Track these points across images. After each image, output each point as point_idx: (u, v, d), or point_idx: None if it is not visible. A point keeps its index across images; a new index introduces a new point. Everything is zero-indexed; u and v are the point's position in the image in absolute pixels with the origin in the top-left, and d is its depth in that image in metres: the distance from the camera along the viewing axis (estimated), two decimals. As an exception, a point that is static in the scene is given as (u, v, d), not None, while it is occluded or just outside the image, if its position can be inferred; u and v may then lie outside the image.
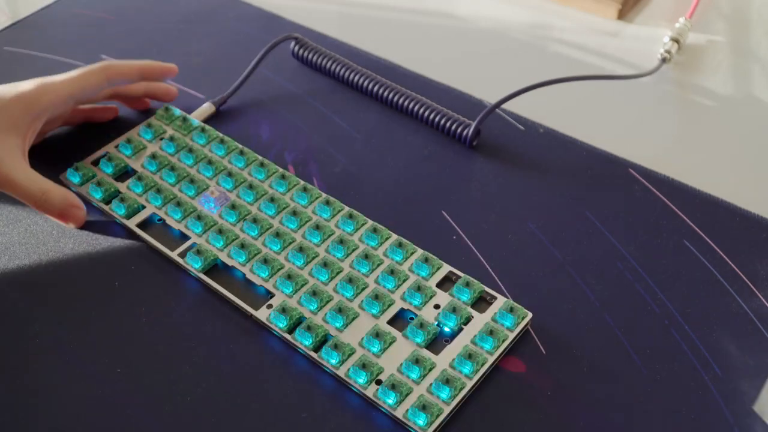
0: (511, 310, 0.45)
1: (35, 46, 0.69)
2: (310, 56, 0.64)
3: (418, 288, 0.46)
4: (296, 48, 0.64)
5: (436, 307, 0.46)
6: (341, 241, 0.48)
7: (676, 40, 0.66)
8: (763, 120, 0.62)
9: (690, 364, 0.44)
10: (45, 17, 0.73)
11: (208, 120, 0.60)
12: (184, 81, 0.64)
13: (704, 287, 0.48)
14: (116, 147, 0.56)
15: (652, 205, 0.53)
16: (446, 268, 0.48)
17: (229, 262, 0.48)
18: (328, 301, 0.46)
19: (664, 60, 0.65)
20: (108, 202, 0.52)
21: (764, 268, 0.49)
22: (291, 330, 0.45)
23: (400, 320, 0.46)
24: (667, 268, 0.49)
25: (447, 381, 0.41)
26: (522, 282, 0.48)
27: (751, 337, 0.45)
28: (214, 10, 0.73)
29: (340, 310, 0.45)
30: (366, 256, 0.48)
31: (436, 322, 0.45)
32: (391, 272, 0.47)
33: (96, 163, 0.55)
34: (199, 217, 0.50)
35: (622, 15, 0.71)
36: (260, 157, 0.55)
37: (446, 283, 0.47)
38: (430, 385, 0.42)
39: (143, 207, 0.52)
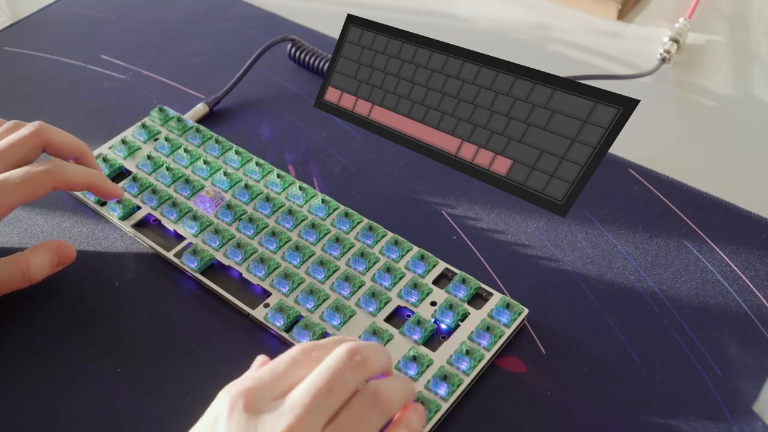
0: (508, 306, 0.44)
1: (35, 46, 0.69)
2: (306, 58, 0.63)
3: (415, 285, 0.46)
4: (292, 50, 0.64)
5: (433, 304, 0.45)
6: (337, 240, 0.48)
7: (675, 40, 0.66)
8: (763, 120, 0.62)
9: (690, 364, 0.43)
10: (45, 17, 0.73)
11: (203, 120, 0.60)
12: (184, 81, 0.64)
13: (704, 287, 0.47)
14: (110, 148, 0.56)
15: (652, 205, 0.52)
16: (442, 265, 0.47)
17: (226, 262, 0.48)
18: (325, 300, 0.46)
19: (663, 60, 0.65)
20: (103, 203, 0.52)
21: (764, 268, 0.48)
22: (288, 329, 0.45)
23: (397, 318, 0.45)
24: (667, 268, 0.48)
25: (445, 377, 0.41)
26: (522, 282, 0.48)
27: (751, 337, 0.45)
28: (214, 10, 0.73)
29: (337, 309, 0.44)
30: (362, 254, 0.48)
31: (433, 319, 0.45)
32: (387, 270, 0.46)
33: (91, 164, 0.55)
34: (194, 218, 0.50)
35: (622, 15, 0.71)
36: (255, 157, 0.54)
37: (442, 280, 0.47)
38: (428, 381, 0.41)
39: (139, 208, 0.52)
